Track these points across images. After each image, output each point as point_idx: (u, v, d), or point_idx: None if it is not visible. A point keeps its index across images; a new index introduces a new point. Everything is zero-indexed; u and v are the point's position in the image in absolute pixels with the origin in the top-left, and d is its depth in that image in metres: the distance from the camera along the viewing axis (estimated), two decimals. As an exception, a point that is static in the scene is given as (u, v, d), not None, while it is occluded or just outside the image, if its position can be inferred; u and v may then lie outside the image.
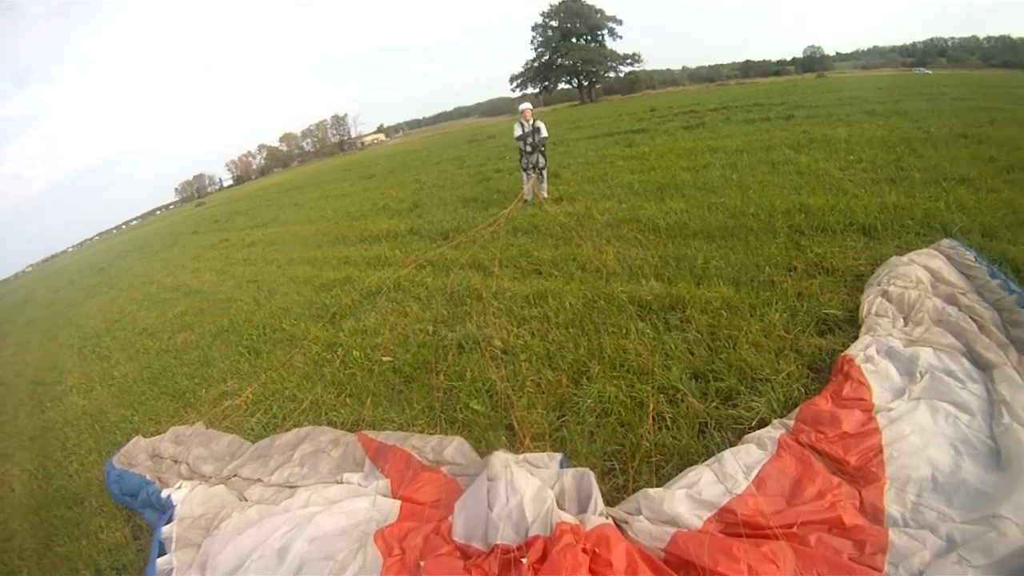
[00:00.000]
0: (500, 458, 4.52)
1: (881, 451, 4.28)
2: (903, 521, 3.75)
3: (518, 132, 14.90)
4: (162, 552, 4.93)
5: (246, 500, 5.63)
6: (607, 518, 3.90)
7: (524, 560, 3.55)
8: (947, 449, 4.25)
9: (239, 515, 5.06)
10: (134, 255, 38.59)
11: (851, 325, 6.30)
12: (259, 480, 5.95)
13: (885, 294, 6.42)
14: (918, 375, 5.04)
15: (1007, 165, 11.32)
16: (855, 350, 5.45)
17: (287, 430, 6.85)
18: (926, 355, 5.24)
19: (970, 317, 5.79)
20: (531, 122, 14.71)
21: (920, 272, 6.68)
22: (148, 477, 6.51)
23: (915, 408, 4.66)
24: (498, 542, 3.84)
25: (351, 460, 5.83)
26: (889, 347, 5.46)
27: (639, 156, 19.84)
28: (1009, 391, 4.60)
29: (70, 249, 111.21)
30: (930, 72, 65.10)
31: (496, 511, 4.02)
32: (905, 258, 7.11)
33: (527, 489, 4.12)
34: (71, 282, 36.75)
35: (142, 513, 6.18)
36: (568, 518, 3.86)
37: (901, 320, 6.03)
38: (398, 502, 4.88)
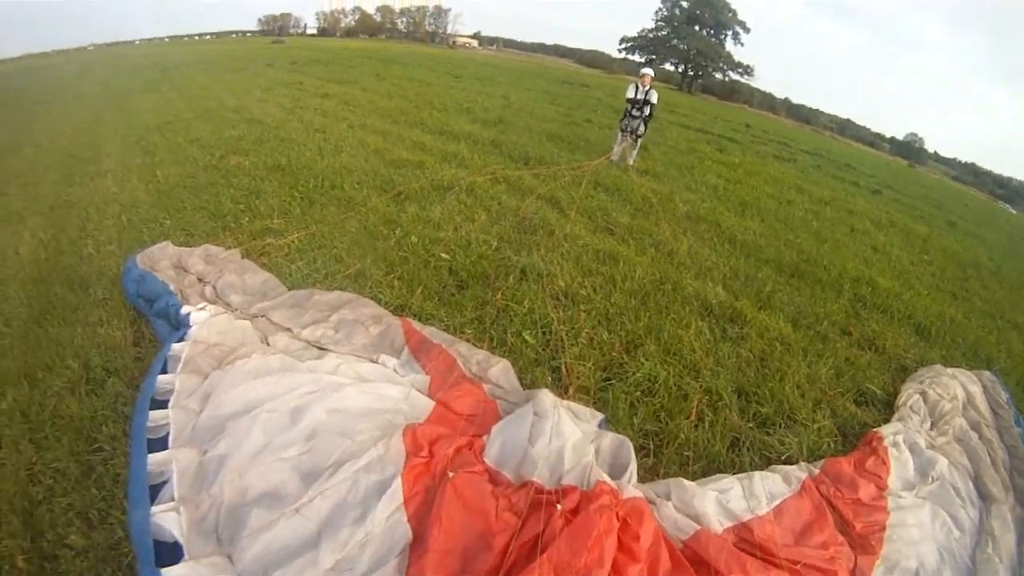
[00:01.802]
0: (549, 397, 4.55)
1: (884, 529, 4.49)
2: None
3: (631, 94, 14.72)
4: (165, 370, 4.77)
5: (269, 346, 5.46)
6: (639, 493, 3.94)
7: (559, 506, 3.58)
8: (935, 553, 4.48)
9: (259, 358, 4.92)
10: (202, 65, 37.79)
11: (884, 407, 6.44)
12: (288, 330, 5.81)
13: (923, 394, 6.57)
14: (931, 478, 5.24)
15: None
16: (886, 431, 5.63)
17: (328, 289, 6.78)
18: (942, 464, 5.43)
19: (987, 449, 5.97)
20: (647, 88, 14.55)
21: (959, 389, 6.82)
22: (171, 287, 6.33)
23: (921, 505, 4.88)
24: (532, 479, 3.86)
25: (389, 343, 5.74)
26: (914, 442, 5.64)
27: (728, 164, 19.68)
28: (999, 528, 4.85)
29: (137, 42, 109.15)
30: (1014, 212, 64.11)
31: (537, 448, 4.07)
32: (950, 371, 7.24)
33: (571, 436, 4.19)
34: (131, 72, 35.96)
35: (152, 322, 5.96)
36: (608, 479, 3.89)
37: (929, 423, 6.19)
38: (432, 403, 4.81)
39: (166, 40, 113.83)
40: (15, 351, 5.81)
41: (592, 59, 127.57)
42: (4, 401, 5.02)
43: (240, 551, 3.32)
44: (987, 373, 7.66)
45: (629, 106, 14.86)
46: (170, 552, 3.29)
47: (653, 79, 14.89)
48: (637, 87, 14.64)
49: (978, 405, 6.82)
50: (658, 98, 14.85)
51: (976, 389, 7.08)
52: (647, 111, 14.67)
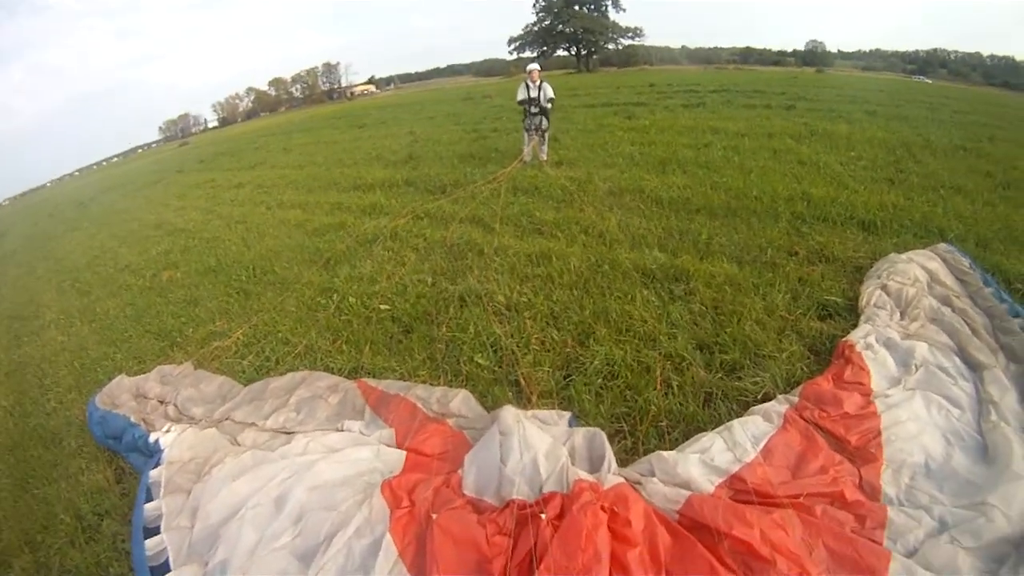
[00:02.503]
0: (511, 412, 4.51)
1: (879, 434, 4.43)
2: (898, 501, 3.91)
3: (522, 94, 14.72)
4: (149, 498, 4.78)
5: (239, 445, 5.50)
6: (621, 479, 3.92)
7: (543, 516, 3.55)
8: (939, 439, 4.41)
9: (232, 460, 4.95)
10: (116, 191, 37.65)
11: (850, 313, 6.43)
12: (253, 424, 5.82)
13: (884, 288, 6.56)
14: (913, 367, 5.19)
15: (1004, 182, 11.53)
16: (856, 337, 5.59)
17: (281, 374, 6.76)
18: (921, 349, 5.39)
19: (963, 320, 5.96)
20: (537, 83, 14.55)
21: (918, 271, 6.82)
22: (133, 419, 6.27)
23: (911, 397, 4.81)
24: (513, 497, 3.83)
25: (350, 408, 5.75)
26: (888, 338, 5.60)
27: (639, 129, 19.71)
28: (997, 392, 4.80)
29: (48, 184, 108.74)
30: (930, 82, 65.19)
31: (510, 466, 4.03)
32: (904, 256, 7.25)
33: (541, 445, 4.14)
34: (50, 216, 35.75)
35: (127, 456, 6.01)
36: (585, 476, 3.88)
37: (898, 314, 6.18)
38: (403, 453, 4.84)
39: (75, 174, 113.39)
40: (10, 522, 5.81)
41: (489, 68, 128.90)
42: (12, 572, 5.08)
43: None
44: (943, 245, 7.69)
45: (527, 105, 14.83)
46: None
47: (541, 71, 14.85)
48: (528, 85, 14.63)
49: (942, 279, 6.83)
50: (552, 88, 14.82)
51: (936, 265, 7.08)
52: (545, 104, 14.64)
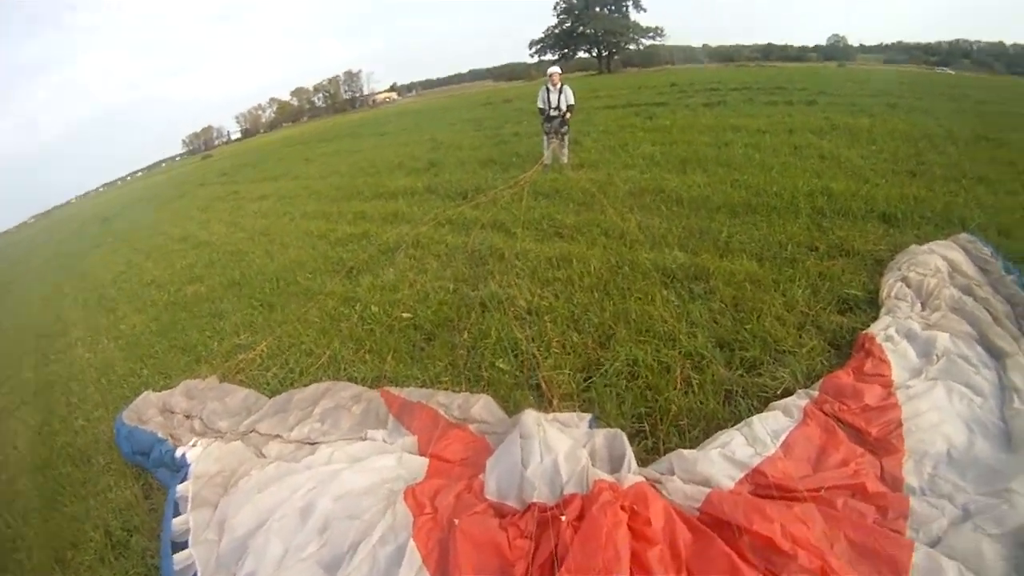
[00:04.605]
0: (532, 416, 4.51)
1: (900, 425, 4.41)
2: (920, 491, 3.89)
3: (542, 100, 14.77)
4: (177, 512, 4.83)
5: (264, 457, 5.56)
6: (641, 478, 3.92)
7: (563, 517, 3.56)
8: (961, 428, 4.39)
9: (258, 472, 5.02)
10: (139, 206, 38.12)
11: (870, 306, 6.40)
12: (278, 436, 5.88)
13: (905, 279, 6.52)
14: (935, 357, 5.17)
15: None
16: (876, 329, 5.58)
17: (305, 385, 6.79)
18: (943, 340, 5.36)
19: (985, 308, 5.92)
20: (559, 86, 14.56)
21: (939, 262, 6.78)
22: (160, 434, 6.34)
23: (932, 387, 4.79)
24: (534, 500, 3.84)
25: (374, 417, 5.78)
26: (908, 329, 5.58)
27: (660, 129, 19.58)
28: (1020, 379, 4.76)
29: (73, 200, 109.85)
30: (952, 73, 64.44)
31: (531, 469, 4.03)
32: (925, 247, 7.20)
33: (561, 447, 4.14)
34: (75, 233, 36.33)
35: (154, 472, 6.04)
36: (605, 476, 3.88)
37: (919, 305, 6.14)
38: (426, 460, 4.86)
39: (100, 190, 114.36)
40: (40, 540, 5.89)
41: (510, 72, 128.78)
42: None
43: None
44: (964, 235, 7.64)
45: (547, 108, 14.83)
46: None
47: (562, 74, 14.86)
48: (548, 89, 14.67)
49: (964, 269, 6.79)
50: (573, 92, 14.81)
51: (957, 254, 7.04)
52: (564, 108, 14.64)
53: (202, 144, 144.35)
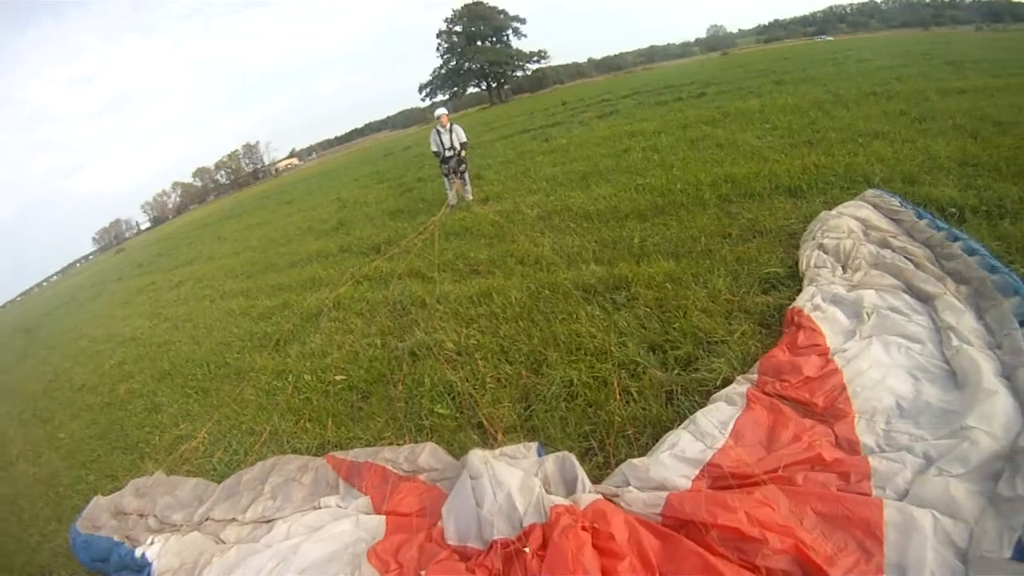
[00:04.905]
0: (478, 455, 4.48)
1: (844, 389, 4.45)
2: (878, 448, 3.92)
3: (434, 143, 14.88)
4: None
5: (224, 543, 5.44)
6: (597, 495, 3.90)
7: (527, 549, 3.53)
8: (906, 378, 4.46)
9: (219, 559, 4.91)
10: (60, 310, 37.19)
11: (793, 280, 6.50)
12: (233, 520, 5.76)
13: (821, 247, 6.65)
14: (865, 316, 5.26)
15: (918, 116, 11.88)
16: (802, 301, 5.66)
17: (251, 465, 6.68)
18: (869, 296, 5.49)
19: (905, 257, 6.08)
20: (448, 127, 14.66)
21: (851, 223, 6.94)
22: (116, 537, 6.16)
23: (868, 345, 4.86)
24: (495, 537, 3.80)
25: (324, 484, 5.70)
26: (833, 294, 5.69)
27: (558, 149, 19.91)
28: (953, 317, 4.89)
29: None
30: (832, 39, 66.89)
31: (486, 508, 3.99)
32: (834, 212, 7.39)
33: (512, 481, 4.10)
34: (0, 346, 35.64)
35: None
36: (561, 500, 3.85)
37: (840, 268, 6.27)
38: (383, 517, 4.77)
39: (18, 299, 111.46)
40: None
41: (406, 119, 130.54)
42: None
43: None
44: (869, 191, 7.87)
45: (440, 150, 14.94)
46: None
47: (454, 111, 14.95)
48: (439, 131, 14.73)
49: (876, 224, 6.98)
50: (464, 129, 14.95)
51: (866, 212, 7.25)
52: (457, 147, 14.75)
53: (113, 239, 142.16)
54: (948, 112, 11.94)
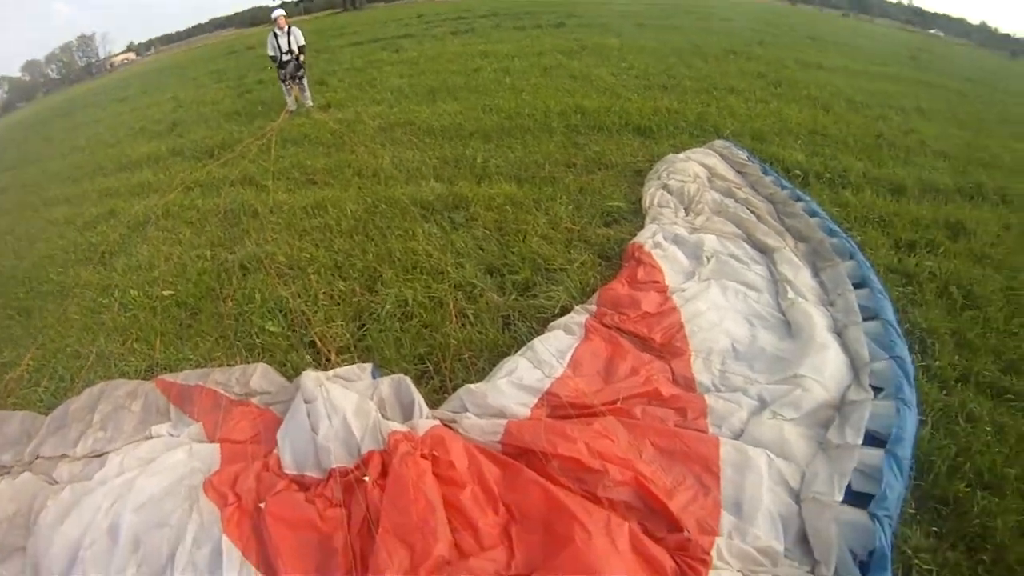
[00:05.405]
0: (311, 377, 4.40)
1: (682, 327, 4.57)
2: (714, 387, 4.07)
3: (271, 47, 14.22)
4: None
5: (57, 483, 5.04)
6: (435, 421, 3.85)
7: (366, 478, 3.48)
8: (742, 322, 4.65)
9: (54, 502, 4.53)
10: None
11: (635, 216, 6.59)
12: (64, 456, 5.32)
13: (666, 187, 6.79)
14: (705, 259, 5.42)
15: (775, 81, 12.44)
16: (643, 237, 5.76)
17: (78, 393, 6.14)
18: (711, 241, 5.64)
19: (748, 208, 6.31)
20: (285, 29, 14.05)
21: (697, 168, 7.13)
22: None
23: (707, 288, 5.02)
24: (333, 466, 3.74)
25: (154, 411, 5.37)
26: (676, 234, 5.82)
27: (408, 61, 19.47)
28: (791, 271, 5.14)
29: None
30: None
31: (322, 434, 3.91)
32: (682, 155, 7.55)
33: (347, 405, 4.03)
34: None
35: None
36: (398, 427, 3.79)
37: (683, 211, 6.43)
38: (216, 445, 4.57)
39: None
40: None
41: (252, 18, 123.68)
42: None
43: None
44: (719, 141, 8.08)
45: (276, 54, 14.27)
46: None
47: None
48: (276, 34, 14.09)
49: (722, 173, 7.20)
50: (302, 34, 14.47)
51: (714, 160, 7.45)
52: (296, 51, 14.17)
53: None
54: (804, 83, 12.51)
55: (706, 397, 3.92)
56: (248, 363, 5.47)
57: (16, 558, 4.24)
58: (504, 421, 3.76)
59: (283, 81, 14.78)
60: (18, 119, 61.91)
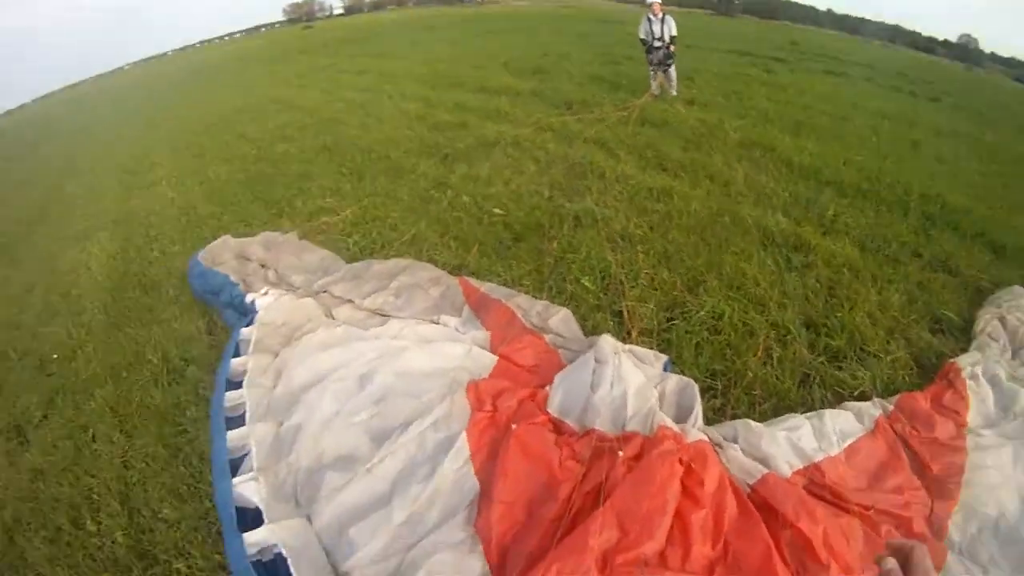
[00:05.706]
0: (609, 342, 4.54)
1: (962, 472, 4.27)
2: (959, 549, 3.81)
3: (643, 30, 14.20)
4: (237, 353, 5.06)
5: (334, 319, 5.67)
6: (704, 436, 3.87)
7: (621, 453, 3.56)
8: (1016, 499, 4.19)
9: (324, 331, 5.15)
10: (236, 64, 38.89)
11: (962, 334, 6.12)
12: (350, 301, 5.97)
13: (1002, 319, 6.16)
14: (1012, 415, 4.91)
15: None
16: (964, 362, 5.31)
17: (385, 258, 6.87)
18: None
19: None
20: (660, 17, 13.97)
21: (1042, 314, 6.48)
22: (233, 278, 6.56)
23: (1002, 446, 4.56)
24: (595, 427, 3.85)
25: (450, 303, 5.81)
26: (994, 374, 5.30)
27: (777, 85, 18.73)
28: None
29: (170, 53, 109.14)
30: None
31: (599, 395, 4.05)
32: (1030, 293, 6.87)
33: (633, 381, 4.15)
34: (171, 84, 37.10)
35: (222, 312, 6.32)
36: (670, 423, 3.85)
37: (1009, 352, 5.80)
38: (495, 358, 4.87)
39: (197, 46, 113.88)
40: (98, 354, 6.27)
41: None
42: (93, 400, 5.47)
43: (317, 512, 3.53)
44: None
45: (648, 39, 14.35)
46: (255, 517, 3.50)
47: (663, 5, 14.19)
48: (649, 19, 14.14)
49: None
50: (676, 24, 14.23)
51: None
52: (667, 39, 14.12)
53: (304, 15, 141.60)
54: None
55: (949, 554, 3.71)
56: (553, 303, 5.75)
57: (265, 356, 4.90)
58: (765, 470, 3.72)
59: (651, 65, 14.77)
60: (386, 20, 66.78)
